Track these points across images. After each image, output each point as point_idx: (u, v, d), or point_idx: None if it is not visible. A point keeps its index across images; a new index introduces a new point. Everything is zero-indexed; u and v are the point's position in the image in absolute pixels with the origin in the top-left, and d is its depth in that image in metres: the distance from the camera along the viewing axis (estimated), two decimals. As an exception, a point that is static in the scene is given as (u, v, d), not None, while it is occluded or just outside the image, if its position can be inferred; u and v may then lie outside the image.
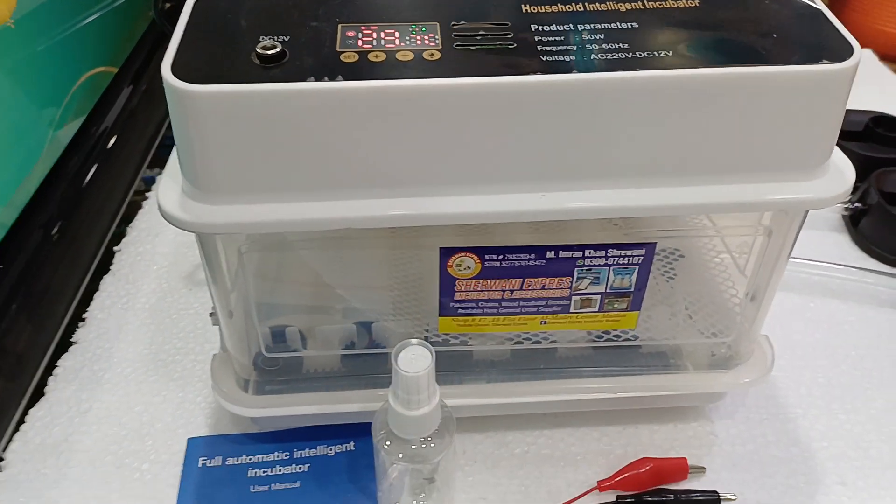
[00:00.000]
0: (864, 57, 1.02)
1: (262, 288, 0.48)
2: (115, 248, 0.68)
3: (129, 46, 0.79)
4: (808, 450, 0.51)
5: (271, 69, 0.34)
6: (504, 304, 0.44)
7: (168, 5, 0.80)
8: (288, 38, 0.36)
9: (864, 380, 0.57)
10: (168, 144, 0.77)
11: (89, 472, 0.49)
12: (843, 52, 0.36)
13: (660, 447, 0.51)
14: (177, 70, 0.34)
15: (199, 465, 0.50)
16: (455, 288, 0.43)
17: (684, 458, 0.49)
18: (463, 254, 0.41)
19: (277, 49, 0.35)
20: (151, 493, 0.48)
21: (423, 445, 0.43)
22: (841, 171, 0.40)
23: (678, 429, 0.52)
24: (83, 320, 0.61)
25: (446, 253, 0.41)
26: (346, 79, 0.34)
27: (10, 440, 0.51)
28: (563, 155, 0.37)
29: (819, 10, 0.39)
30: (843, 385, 0.56)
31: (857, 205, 0.71)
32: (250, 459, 0.50)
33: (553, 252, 0.41)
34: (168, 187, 0.38)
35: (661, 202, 0.38)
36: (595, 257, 0.41)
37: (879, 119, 0.78)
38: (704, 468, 0.49)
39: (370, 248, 0.48)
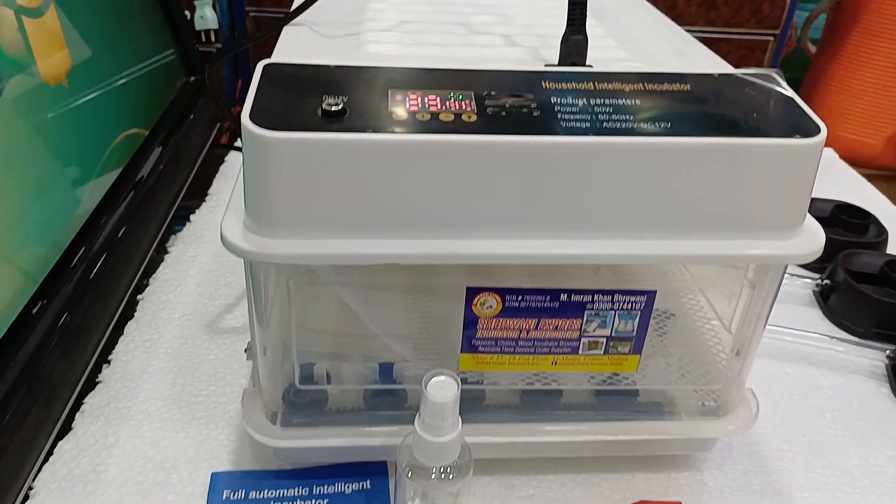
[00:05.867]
0: (827, 155, 1.13)
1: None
2: (139, 297, 0.71)
3: (159, 112, 0.86)
4: (790, 499, 0.55)
5: (334, 122, 0.40)
6: (520, 343, 0.48)
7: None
8: (346, 98, 0.42)
9: (839, 438, 0.61)
10: (182, 215, 0.83)
11: (115, 500, 0.51)
12: (813, 130, 0.43)
13: (655, 492, 0.54)
14: (254, 118, 0.39)
15: (224, 497, 0.52)
16: (478, 326, 0.47)
17: (679, 501, 0.53)
18: (487, 293, 0.46)
19: (340, 106, 0.41)
20: (176, 521, 0.50)
21: (443, 476, 0.47)
22: (814, 234, 0.46)
23: (671, 477, 0.56)
24: (108, 362, 0.64)
25: (472, 292, 0.46)
26: (398, 133, 0.40)
27: (39, 470, 0.53)
28: (578, 206, 0.42)
29: (792, 98, 0.46)
30: (820, 443, 0.61)
31: (826, 282, 0.77)
32: (272, 494, 0.53)
33: (566, 295, 0.46)
34: (231, 222, 0.43)
35: (660, 252, 0.44)
36: (603, 301, 0.47)
37: (842, 207, 0.86)
38: (697, 511, 0.53)
39: (400, 290, 0.52)
